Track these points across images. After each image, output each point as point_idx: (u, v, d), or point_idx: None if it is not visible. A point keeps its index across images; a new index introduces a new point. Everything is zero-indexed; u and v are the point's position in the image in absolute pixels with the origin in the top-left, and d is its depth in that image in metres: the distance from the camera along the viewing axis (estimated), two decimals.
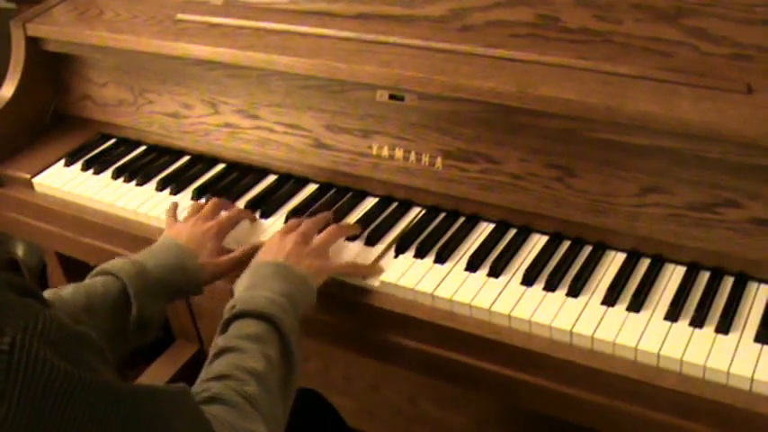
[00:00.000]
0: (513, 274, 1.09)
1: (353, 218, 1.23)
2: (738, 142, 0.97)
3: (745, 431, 0.91)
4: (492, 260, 1.11)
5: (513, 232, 1.17)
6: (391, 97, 1.19)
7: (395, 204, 1.25)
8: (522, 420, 1.52)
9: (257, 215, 1.26)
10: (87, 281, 1.03)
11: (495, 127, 1.14)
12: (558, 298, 1.04)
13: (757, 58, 1.05)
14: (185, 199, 1.33)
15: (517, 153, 1.14)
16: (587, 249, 1.12)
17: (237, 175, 1.37)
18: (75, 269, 1.66)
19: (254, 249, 1.10)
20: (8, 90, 1.48)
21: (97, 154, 1.48)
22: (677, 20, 1.09)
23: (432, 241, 1.15)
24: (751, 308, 1.00)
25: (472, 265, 1.10)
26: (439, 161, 1.19)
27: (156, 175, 1.38)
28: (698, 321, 0.98)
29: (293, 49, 1.26)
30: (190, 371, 1.95)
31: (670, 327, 0.98)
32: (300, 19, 1.33)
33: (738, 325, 0.97)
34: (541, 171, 1.13)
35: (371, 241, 1.17)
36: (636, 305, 1.01)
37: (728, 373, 0.91)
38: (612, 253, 1.11)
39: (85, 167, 1.43)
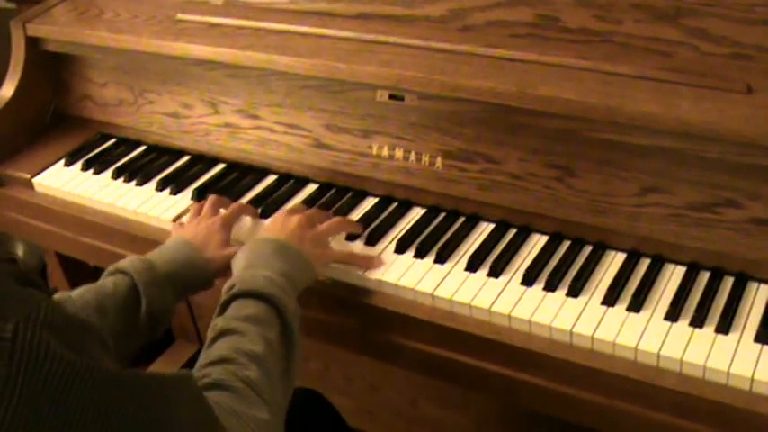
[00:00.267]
0: (513, 274, 1.09)
1: (353, 218, 1.23)
2: (738, 142, 0.97)
3: (745, 431, 0.91)
4: (492, 260, 1.11)
5: (513, 232, 1.17)
6: (391, 97, 1.19)
7: (395, 204, 1.25)
8: (522, 420, 1.52)
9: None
10: (99, 282, 1.03)
11: (494, 127, 1.14)
12: (557, 298, 1.04)
13: (757, 58, 1.05)
14: (185, 199, 1.33)
15: (517, 153, 1.14)
16: (587, 249, 1.12)
17: (237, 176, 1.37)
18: (76, 269, 1.66)
19: None
20: (8, 90, 1.48)
21: (97, 154, 1.48)
22: (677, 20, 1.09)
23: (432, 241, 1.15)
24: (751, 308, 1.00)
25: (472, 265, 1.10)
26: (439, 161, 1.19)
27: (156, 175, 1.38)
28: (698, 321, 0.98)
29: (293, 49, 1.26)
30: None
31: (670, 327, 0.98)
32: (300, 19, 1.33)
33: (738, 325, 0.97)
34: (541, 171, 1.13)
35: (372, 241, 1.17)
36: (636, 305, 1.01)
37: (728, 373, 0.91)
38: (612, 253, 1.11)
39: (85, 167, 1.43)
